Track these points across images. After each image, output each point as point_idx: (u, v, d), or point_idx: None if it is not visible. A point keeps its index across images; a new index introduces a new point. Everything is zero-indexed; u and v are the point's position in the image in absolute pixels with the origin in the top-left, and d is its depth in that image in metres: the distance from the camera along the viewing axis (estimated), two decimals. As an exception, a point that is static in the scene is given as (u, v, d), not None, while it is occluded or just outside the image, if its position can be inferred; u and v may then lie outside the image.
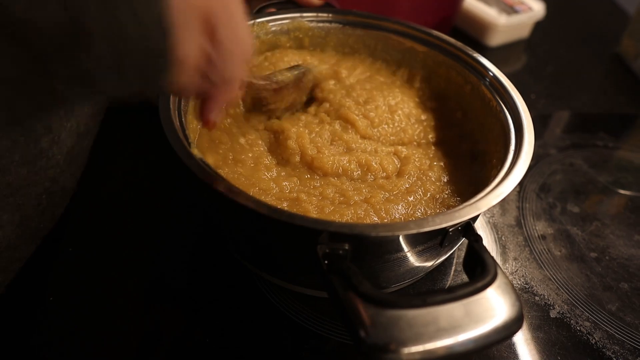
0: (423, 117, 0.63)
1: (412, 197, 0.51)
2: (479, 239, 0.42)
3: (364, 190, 0.52)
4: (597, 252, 0.63)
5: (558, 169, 0.75)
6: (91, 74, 0.28)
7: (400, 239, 0.41)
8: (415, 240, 0.43)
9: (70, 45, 0.26)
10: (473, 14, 1.01)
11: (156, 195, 0.64)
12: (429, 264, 0.50)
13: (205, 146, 0.53)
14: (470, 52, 0.61)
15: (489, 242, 0.63)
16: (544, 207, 0.69)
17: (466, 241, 0.43)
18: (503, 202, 0.68)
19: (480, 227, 0.65)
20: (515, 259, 0.61)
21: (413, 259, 0.46)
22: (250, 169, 0.52)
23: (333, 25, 0.67)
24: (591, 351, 0.53)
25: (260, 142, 0.55)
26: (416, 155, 0.57)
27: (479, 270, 0.38)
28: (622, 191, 0.73)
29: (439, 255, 0.50)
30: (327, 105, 0.61)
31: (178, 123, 0.46)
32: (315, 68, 0.64)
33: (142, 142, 0.70)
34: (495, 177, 0.46)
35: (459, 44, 0.63)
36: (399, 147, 0.58)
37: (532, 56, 1.05)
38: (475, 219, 0.44)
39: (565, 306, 0.57)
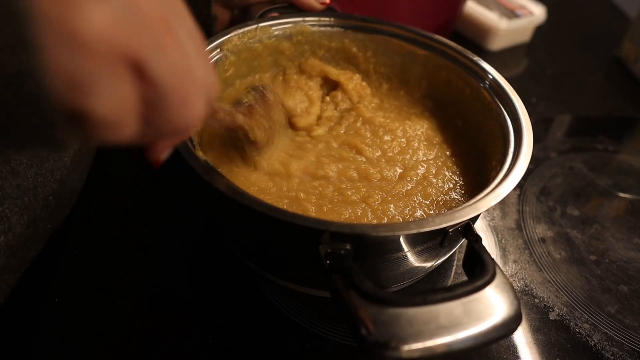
0: (425, 125, 0.63)
1: (411, 198, 0.52)
2: (478, 239, 0.42)
3: (362, 190, 0.52)
4: (596, 254, 0.64)
5: (558, 172, 0.76)
6: None
7: (401, 239, 0.42)
8: (416, 241, 0.43)
9: None
10: (474, 18, 1.02)
11: (158, 195, 0.65)
12: (429, 264, 0.51)
13: (204, 146, 0.53)
14: (470, 56, 0.62)
15: (489, 245, 0.63)
16: (544, 210, 0.69)
17: (466, 243, 0.44)
18: (503, 206, 0.69)
19: (481, 230, 0.65)
20: (515, 261, 0.62)
21: (414, 259, 0.47)
22: (247, 167, 0.52)
23: (335, 29, 0.68)
24: (590, 353, 0.53)
25: None
26: (420, 161, 0.57)
27: (478, 270, 0.39)
28: (622, 194, 0.73)
29: (439, 255, 0.50)
30: (339, 130, 0.61)
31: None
32: (269, 85, 0.59)
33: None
34: (495, 178, 0.46)
35: (459, 47, 0.63)
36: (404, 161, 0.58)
37: (533, 60, 1.05)
38: (475, 219, 0.45)
39: (565, 308, 0.57)
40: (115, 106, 0.25)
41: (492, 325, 0.35)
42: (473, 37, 1.04)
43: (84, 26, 0.22)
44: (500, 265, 0.61)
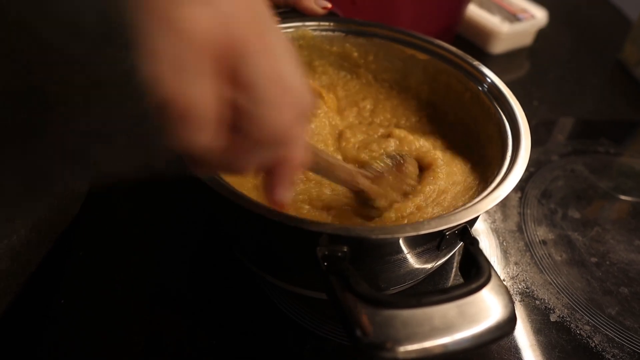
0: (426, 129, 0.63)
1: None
2: (474, 242, 0.43)
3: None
4: (597, 257, 0.64)
5: (559, 175, 0.76)
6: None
7: (397, 241, 0.42)
8: (413, 243, 0.44)
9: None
10: (476, 22, 1.02)
11: (161, 198, 0.65)
12: (427, 266, 0.51)
13: None
14: (470, 60, 0.62)
15: (490, 247, 0.64)
16: (545, 213, 0.69)
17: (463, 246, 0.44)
18: (505, 208, 0.69)
19: (482, 232, 0.65)
20: (516, 263, 0.62)
21: (412, 261, 0.47)
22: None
23: (336, 34, 0.68)
24: (591, 354, 0.53)
25: None
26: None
27: (473, 272, 0.39)
28: (623, 197, 0.74)
29: (437, 258, 0.51)
30: None
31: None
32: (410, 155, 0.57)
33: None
34: (492, 182, 0.47)
35: (459, 52, 0.64)
36: None
37: (535, 63, 1.05)
38: (472, 222, 0.45)
39: (566, 310, 0.57)
40: (200, 102, 0.25)
41: (487, 327, 0.36)
42: (475, 40, 1.04)
43: (189, 21, 0.24)
44: (502, 267, 0.61)
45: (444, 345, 0.34)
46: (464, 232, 0.44)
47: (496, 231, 0.66)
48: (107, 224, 0.62)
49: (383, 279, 0.49)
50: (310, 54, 0.69)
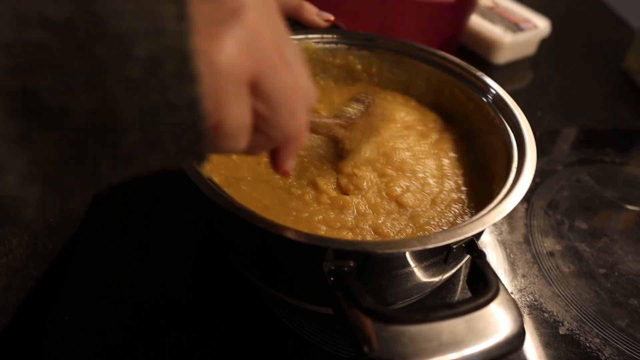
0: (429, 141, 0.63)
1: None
2: (482, 255, 0.42)
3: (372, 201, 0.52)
4: (605, 268, 0.63)
5: (565, 185, 0.75)
6: (132, 155, 0.27)
7: (403, 255, 0.42)
8: (419, 257, 0.43)
9: (106, 130, 0.26)
10: (479, 32, 1.02)
11: (161, 211, 0.65)
12: (435, 279, 0.50)
13: (211, 165, 0.54)
14: (474, 71, 0.62)
15: (497, 260, 0.63)
16: (552, 224, 0.69)
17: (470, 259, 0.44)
18: (511, 220, 0.69)
19: (489, 245, 0.65)
20: (524, 275, 0.61)
21: (418, 275, 0.47)
22: (252, 185, 0.53)
23: (339, 46, 0.68)
24: (601, 368, 0.53)
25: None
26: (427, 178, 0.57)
27: (481, 287, 0.39)
28: (629, 207, 0.73)
29: (444, 271, 0.50)
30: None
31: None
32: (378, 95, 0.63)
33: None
34: (498, 194, 0.46)
35: (462, 63, 0.64)
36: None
37: (538, 73, 1.05)
38: (478, 235, 0.45)
39: (575, 323, 0.57)
40: (239, 119, 0.30)
41: (496, 342, 0.35)
42: (478, 51, 1.04)
43: (221, 56, 0.27)
44: (509, 280, 0.61)
45: (452, 362, 0.34)
46: (471, 245, 0.44)
47: (503, 243, 0.65)
48: (106, 233, 0.62)
49: (390, 293, 0.49)
50: (313, 67, 0.69)
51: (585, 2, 1.38)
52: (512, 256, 0.64)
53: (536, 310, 0.58)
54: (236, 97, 0.29)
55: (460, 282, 0.59)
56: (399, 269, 0.44)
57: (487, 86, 0.60)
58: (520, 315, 0.37)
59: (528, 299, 0.59)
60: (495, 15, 1.05)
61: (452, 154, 0.61)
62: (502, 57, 1.02)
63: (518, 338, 0.36)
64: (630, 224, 0.70)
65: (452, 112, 0.66)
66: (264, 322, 0.53)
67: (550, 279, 0.61)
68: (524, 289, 0.60)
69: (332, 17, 0.68)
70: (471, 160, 0.61)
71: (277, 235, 0.39)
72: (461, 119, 0.65)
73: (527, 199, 0.72)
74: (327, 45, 0.68)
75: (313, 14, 0.67)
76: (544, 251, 0.65)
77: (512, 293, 0.59)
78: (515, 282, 0.61)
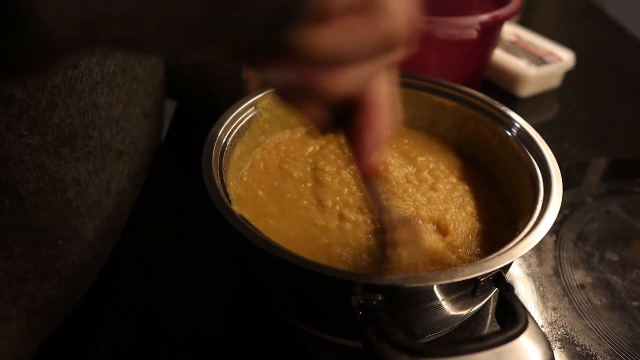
0: (456, 175, 0.64)
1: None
2: (509, 288, 0.42)
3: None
4: (639, 300, 0.62)
5: (595, 216, 0.75)
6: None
7: (432, 289, 0.42)
8: (447, 291, 0.44)
9: None
10: (503, 66, 1.03)
11: (194, 251, 0.67)
12: (463, 312, 0.51)
13: (240, 202, 0.56)
14: (498, 106, 0.63)
15: (527, 292, 0.63)
16: (582, 256, 0.68)
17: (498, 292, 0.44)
18: (540, 252, 0.68)
19: (518, 278, 0.65)
20: (554, 308, 0.61)
21: (446, 309, 0.47)
22: (279, 219, 0.55)
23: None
24: (637, 403, 0.52)
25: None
26: (452, 210, 0.58)
27: (510, 319, 0.39)
28: (662, 238, 0.72)
29: (472, 304, 0.50)
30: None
31: (219, 181, 0.49)
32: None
33: (183, 201, 0.74)
34: (525, 227, 0.47)
35: (486, 97, 0.65)
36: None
37: (564, 105, 1.06)
38: (506, 268, 0.45)
39: (608, 357, 0.56)
40: None
41: (526, 375, 0.35)
42: (503, 84, 1.05)
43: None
44: (539, 313, 0.60)
45: (482, 395, 0.34)
46: (499, 278, 0.44)
47: (532, 276, 0.65)
48: (139, 274, 0.63)
49: (418, 327, 0.49)
50: None
51: (609, 33, 1.38)
52: (541, 289, 0.63)
53: (568, 343, 0.57)
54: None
55: (490, 315, 0.59)
56: (427, 302, 0.45)
57: (511, 120, 0.61)
58: (551, 349, 0.37)
59: (559, 332, 0.58)
60: (519, 49, 1.06)
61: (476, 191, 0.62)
62: (527, 90, 1.03)
63: (548, 371, 0.36)
64: (663, 255, 0.69)
65: (476, 147, 0.67)
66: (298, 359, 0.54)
67: (582, 311, 0.61)
68: (555, 322, 0.59)
69: None
70: (496, 194, 0.61)
71: (307, 270, 0.41)
72: (486, 153, 0.65)
73: (556, 231, 0.72)
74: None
75: None
76: (575, 283, 0.64)
77: (542, 326, 0.59)
78: (546, 315, 0.60)
